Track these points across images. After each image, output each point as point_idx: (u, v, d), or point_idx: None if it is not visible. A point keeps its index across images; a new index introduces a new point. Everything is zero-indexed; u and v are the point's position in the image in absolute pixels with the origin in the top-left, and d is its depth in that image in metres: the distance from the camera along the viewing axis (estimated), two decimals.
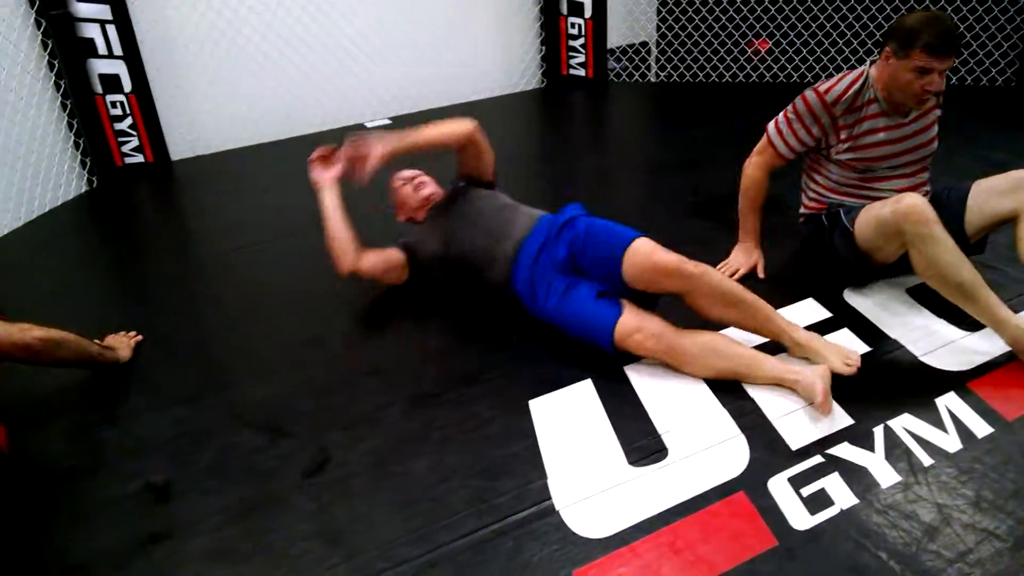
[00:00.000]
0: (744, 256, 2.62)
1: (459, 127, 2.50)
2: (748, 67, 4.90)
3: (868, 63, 2.35)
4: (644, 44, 5.08)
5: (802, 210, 2.60)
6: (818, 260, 2.53)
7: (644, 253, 2.09)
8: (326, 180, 2.48)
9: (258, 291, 2.79)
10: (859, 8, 4.59)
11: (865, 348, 2.15)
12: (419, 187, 2.64)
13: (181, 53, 4.05)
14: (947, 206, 2.32)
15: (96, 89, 3.74)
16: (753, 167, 2.55)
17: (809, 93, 2.36)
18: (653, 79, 5.11)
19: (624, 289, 2.14)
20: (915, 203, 2.09)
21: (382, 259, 2.47)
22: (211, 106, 4.19)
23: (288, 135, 4.43)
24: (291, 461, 1.91)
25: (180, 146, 4.18)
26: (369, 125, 4.54)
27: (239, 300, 2.74)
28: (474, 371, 2.18)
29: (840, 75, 2.35)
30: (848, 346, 2.14)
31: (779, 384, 1.99)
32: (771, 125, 2.49)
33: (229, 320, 2.62)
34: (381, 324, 2.49)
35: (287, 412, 2.09)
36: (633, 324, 2.05)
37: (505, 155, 2.68)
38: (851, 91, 2.31)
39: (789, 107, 2.42)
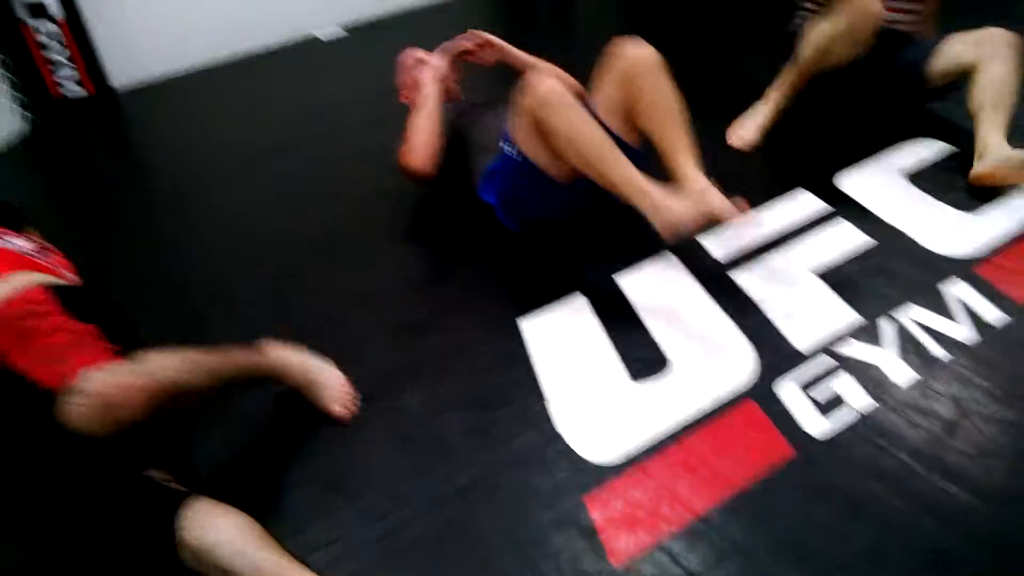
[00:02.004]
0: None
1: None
2: None
3: None
4: None
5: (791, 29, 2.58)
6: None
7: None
8: (435, 71, 2.36)
9: (225, 226, 2.62)
10: None
11: (865, 239, 2.06)
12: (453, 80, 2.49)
13: None
14: (920, 46, 2.39)
15: (22, 17, 3.44)
16: None
17: None
18: None
19: None
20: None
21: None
22: (150, 28, 3.90)
23: (235, 52, 4.17)
24: (278, 403, 1.80)
25: (121, 75, 3.90)
26: (323, 37, 4.27)
27: (206, 238, 2.58)
28: (459, 296, 2.07)
29: None
30: (847, 237, 2.05)
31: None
32: None
33: (199, 260, 2.46)
34: (358, 253, 2.34)
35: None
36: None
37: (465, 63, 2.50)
38: None
39: None
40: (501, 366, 1.82)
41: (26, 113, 3.59)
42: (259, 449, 1.71)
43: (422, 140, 2.23)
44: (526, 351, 1.85)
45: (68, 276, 1.78)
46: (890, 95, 2.53)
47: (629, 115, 1.99)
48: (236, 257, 2.42)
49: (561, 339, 1.87)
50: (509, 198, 2.13)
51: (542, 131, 1.87)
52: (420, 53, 2.49)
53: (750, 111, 2.60)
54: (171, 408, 1.34)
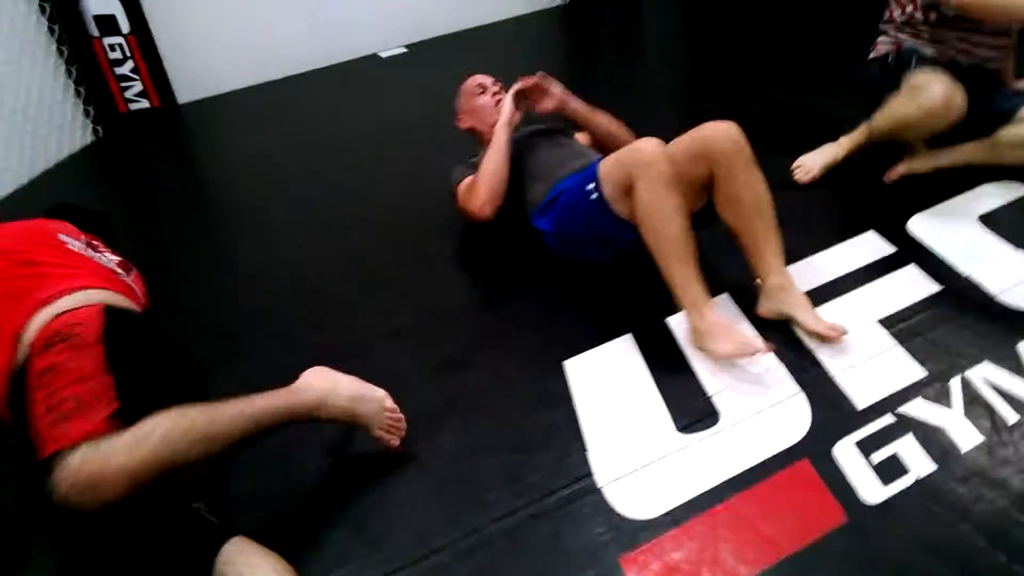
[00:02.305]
0: None
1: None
2: None
3: None
4: None
5: (871, 55, 2.41)
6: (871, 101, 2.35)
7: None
8: (506, 116, 2.29)
9: (276, 246, 2.63)
10: None
11: (936, 287, 1.94)
12: (498, 103, 2.40)
13: None
14: (1009, 98, 2.23)
15: (92, 31, 3.53)
16: None
17: None
18: None
19: None
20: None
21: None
22: (217, 43, 3.97)
23: (299, 70, 4.20)
24: (313, 437, 1.76)
25: (187, 88, 3.97)
26: (383, 55, 4.28)
27: (256, 257, 2.58)
28: (502, 331, 2.02)
29: None
30: (916, 285, 1.93)
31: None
32: None
33: (245, 280, 2.47)
34: (402, 281, 2.31)
35: None
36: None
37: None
38: None
39: None
40: (541, 408, 1.75)
41: (91, 124, 3.66)
42: (286, 486, 1.66)
43: (487, 183, 2.17)
44: (569, 392, 1.78)
45: (140, 297, 1.78)
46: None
47: (697, 188, 1.92)
48: (279, 280, 2.41)
49: (606, 382, 1.80)
50: (568, 233, 2.08)
51: (630, 193, 1.84)
52: (485, 80, 2.44)
53: (820, 148, 2.49)
54: (167, 480, 1.28)
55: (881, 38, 2.41)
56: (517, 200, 2.21)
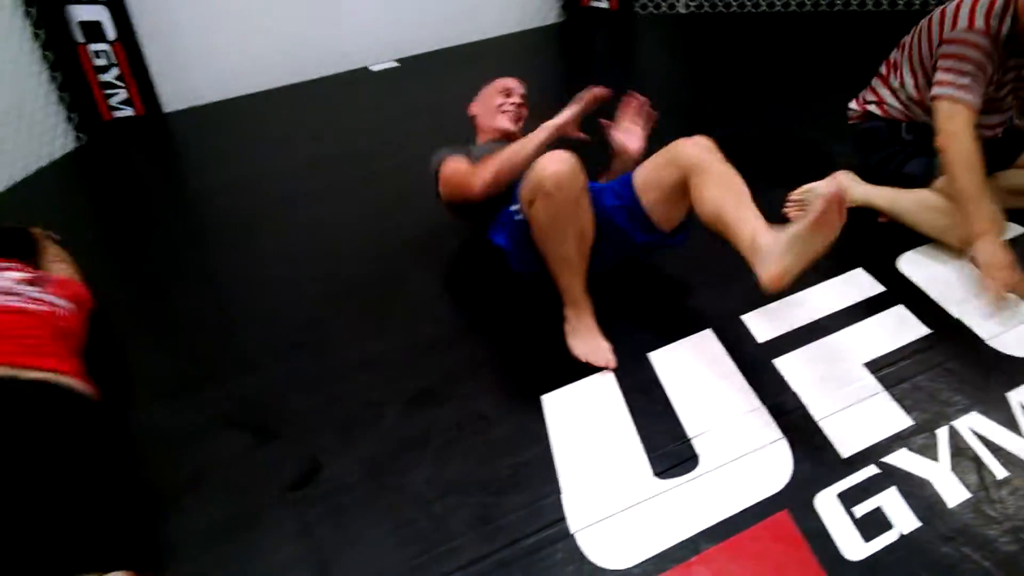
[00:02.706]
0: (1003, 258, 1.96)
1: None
2: None
3: None
4: None
5: (874, 108, 2.34)
6: (877, 167, 2.36)
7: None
8: (561, 120, 2.08)
9: (254, 264, 2.57)
10: None
11: (925, 330, 1.89)
12: (519, 116, 2.36)
13: (169, 5, 3.75)
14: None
15: (77, 38, 3.47)
16: (961, 137, 1.97)
17: (968, 35, 1.98)
18: (683, 10, 4.72)
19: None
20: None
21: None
22: (205, 53, 3.92)
23: (289, 81, 4.15)
24: (277, 470, 1.71)
25: (173, 97, 3.91)
26: (374, 68, 4.24)
27: (234, 274, 2.53)
28: (480, 362, 1.96)
29: (971, 10, 2.00)
30: (905, 327, 1.89)
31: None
32: (947, 88, 2.00)
33: (222, 297, 2.41)
34: (382, 306, 2.25)
35: (276, 409, 1.89)
36: None
37: None
38: (1005, 28, 1.97)
39: (950, 61, 2.01)
40: (516, 446, 1.69)
41: (75, 131, 3.60)
42: (243, 523, 1.60)
43: (499, 169, 2.01)
44: (545, 430, 1.72)
45: (58, 307, 1.73)
46: None
47: (674, 198, 1.95)
48: (256, 300, 2.36)
49: (584, 420, 1.74)
50: (514, 250, 2.04)
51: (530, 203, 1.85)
52: (515, 88, 2.38)
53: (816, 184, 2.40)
54: None
55: (869, 96, 2.37)
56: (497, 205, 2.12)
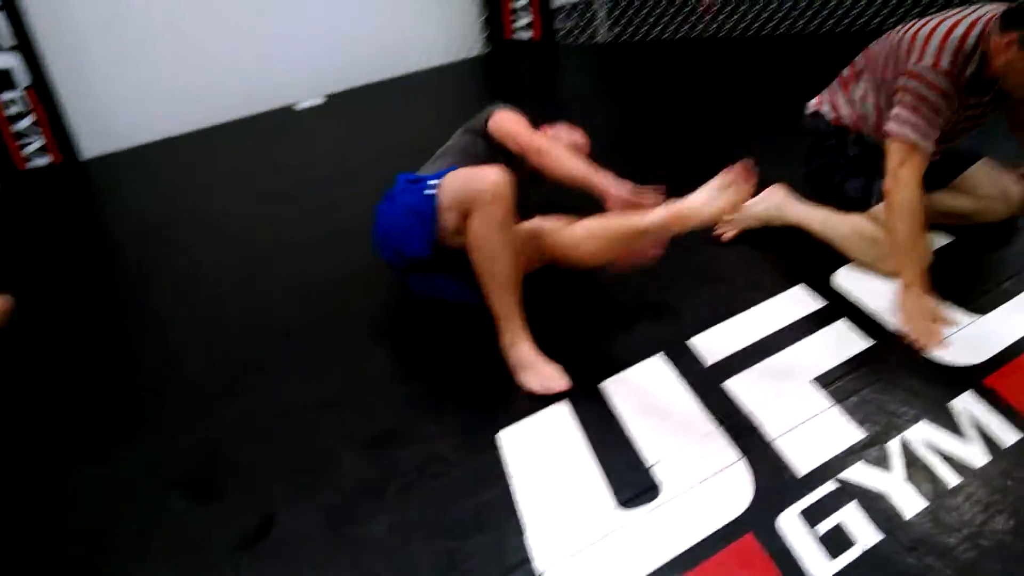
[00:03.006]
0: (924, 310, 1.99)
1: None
2: (702, 23, 4.62)
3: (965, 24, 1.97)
4: (591, 1, 4.77)
5: (827, 109, 2.33)
6: (816, 175, 2.41)
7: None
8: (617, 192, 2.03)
9: (187, 308, 2.48)
10: None
11: (866, 342, 1.94)
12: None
13: (84, 38, 3.63)
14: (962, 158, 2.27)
15: None
16: (909, 185, 1.97)
17: (932, 75, 1.95)
18: (602, 39, 4.81)
19: None
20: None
21: None
22: (124, 96, 3.80)
23: (212, 122, 4.06)
24: (227, 526, 1.64)
25: (92, 143, 3.78)
26: (300, 107, 4.18)
27: (166, 319, 2.43)
28: (434, 400, 1.93)
29: (939, 46, 1.95)
30: (848, 341, 1.93)
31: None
32: (906, 129, 1.97)
33: (156, 345, 2.31)
34: (328, 346, 2.20)
35: (223, 459, 1.82)
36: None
37: (446, 129, 2.40)
38: (952, 69, 1.94)
39: (910, 98, 1.98)
40: (477, 486, 1.66)
41: None
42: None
43: (547, 148, 2.16)
44: (504, 468, 1.70)
45: None
46: None
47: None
48: (194, 347, 2.27)
49: (543, 455, 1.72)
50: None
51: (465, 217, 1.88)
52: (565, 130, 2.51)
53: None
54: None
55: (826, 97, 2.35)
56: None
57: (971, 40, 1.93)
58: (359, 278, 2.44)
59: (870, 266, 2.18)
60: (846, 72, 2.30)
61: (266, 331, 2.28)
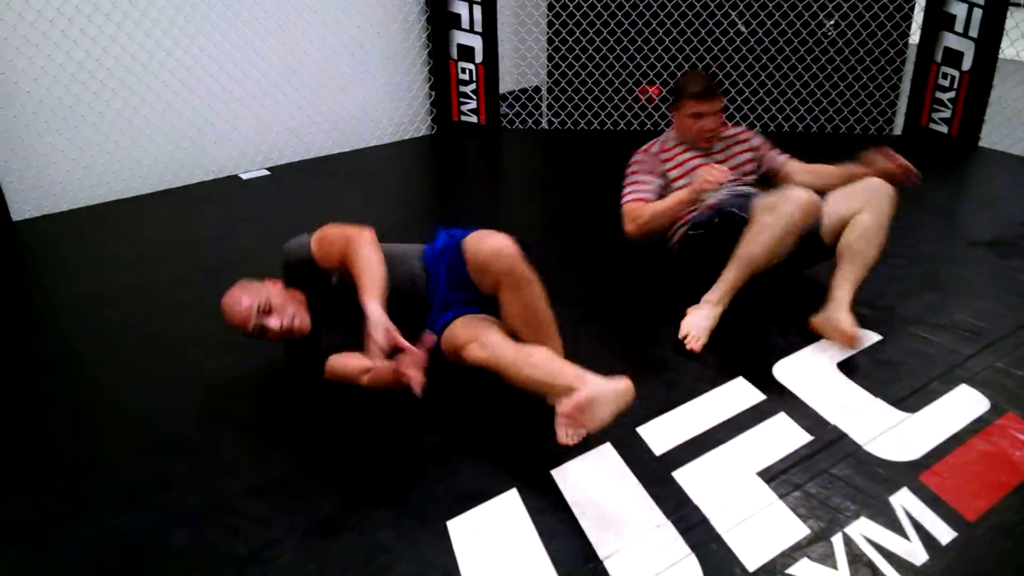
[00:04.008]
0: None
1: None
2: (642, 114, 4.82)
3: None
4: (536, 89, 4.93)
5: (682, 231, 2.73)
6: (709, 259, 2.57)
7: (477, 237, 2.00)
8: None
9: (115, 387, 2.38)
10: (748, 55, 4.60)
11: (807, 436, 1.99)
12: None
13: (22, 103, 3.56)
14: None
15: None
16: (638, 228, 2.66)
17: (637, 155, 2.82)
18: (547, 126, 4.96)
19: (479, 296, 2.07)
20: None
21: None
22: (61, 157, 3.71)
23: (154, 188, 4.00)
24: None
25: (24, 204, 3.67)
26: (245, 176, 4.16)
27: (93, 399, 2.33)
28: (380, 486, 1.88)
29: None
30: (789, 436, 1.98)
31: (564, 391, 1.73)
32: (626, 197, 2.72)
33: (79, 427, 2.19)
34: (264, 428, 2.14)
35: (151, 553, 1.72)
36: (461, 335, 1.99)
37: (393, 206, 2.41)
38: (656, 144, 2.83)
39: (628, 173, 2.78)
40: None
41: None
42: None
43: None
44: (453, 560, 1.66)
45: None
46: (804, 263, 2.62)
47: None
48: (120, 428, 2.17)
49: (493, 548, 1.69)
50: None
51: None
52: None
53: (696, 311, 2.47)
54: None
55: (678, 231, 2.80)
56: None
57: None
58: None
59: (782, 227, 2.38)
60: None
61: (200, 413, 2.21)
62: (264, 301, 2.09)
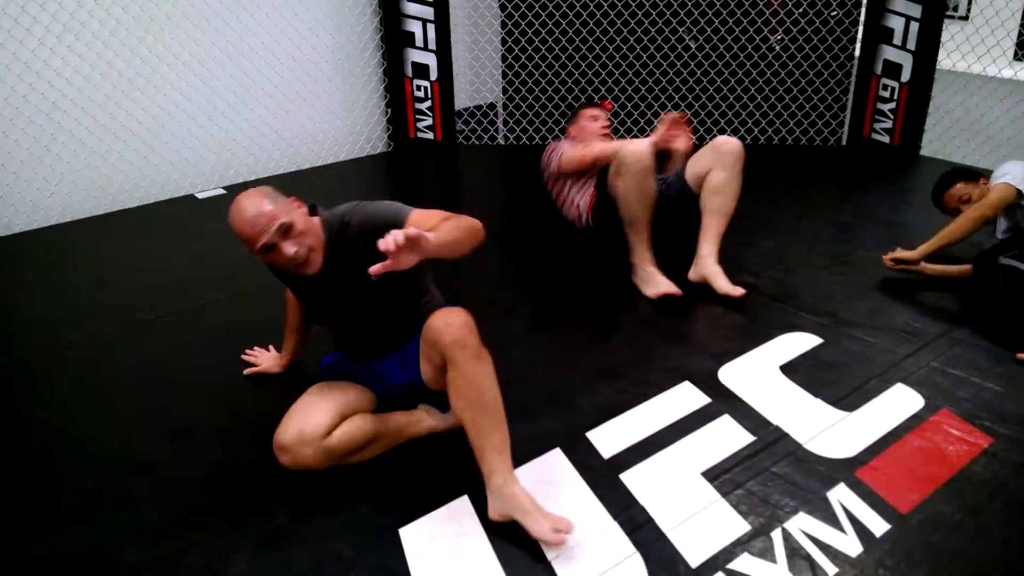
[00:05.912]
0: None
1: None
2: None
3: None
4: (492, 106, 5.00)
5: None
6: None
7: (438, 314, 1.84)
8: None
9: (74, 406, 2.37)
10: (698, 72, 4.71)
11: (749, 437, 2.06)
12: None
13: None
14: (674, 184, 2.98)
15: None
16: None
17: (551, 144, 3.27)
18: (502, 141, 5.03)
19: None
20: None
21: None
22: (11, 178, 3.69)
23: (108, 209, 3.98)
24: None
25: None
26: (200, 196, 4.16)
27: (48, 419, 2.32)
28: (331, 495, 1.91)
29: None
30: (732, 436, 2.05)
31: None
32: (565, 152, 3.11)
33: (40, 443, 2.19)
34: (218, 443, 2.16)
35: (109, 565, 1.73)
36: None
37: None
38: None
39: (552, 151, 3.22)
40: None
41: None
42: None
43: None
44: (406, 566, 1.69)
45: None
46: (685, 215, 2.95)
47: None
48: (76, 446, 2.17)
49: (444, 552, 1.73)
50: None
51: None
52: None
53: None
54: None
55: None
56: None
57: None
58: (247, 378, 2.41)
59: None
60: None
61: (152, 432, 2.21)
62: (289, 220, 1.83)
